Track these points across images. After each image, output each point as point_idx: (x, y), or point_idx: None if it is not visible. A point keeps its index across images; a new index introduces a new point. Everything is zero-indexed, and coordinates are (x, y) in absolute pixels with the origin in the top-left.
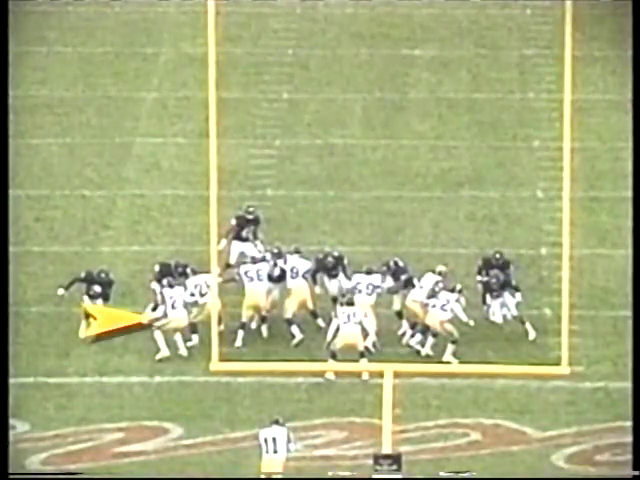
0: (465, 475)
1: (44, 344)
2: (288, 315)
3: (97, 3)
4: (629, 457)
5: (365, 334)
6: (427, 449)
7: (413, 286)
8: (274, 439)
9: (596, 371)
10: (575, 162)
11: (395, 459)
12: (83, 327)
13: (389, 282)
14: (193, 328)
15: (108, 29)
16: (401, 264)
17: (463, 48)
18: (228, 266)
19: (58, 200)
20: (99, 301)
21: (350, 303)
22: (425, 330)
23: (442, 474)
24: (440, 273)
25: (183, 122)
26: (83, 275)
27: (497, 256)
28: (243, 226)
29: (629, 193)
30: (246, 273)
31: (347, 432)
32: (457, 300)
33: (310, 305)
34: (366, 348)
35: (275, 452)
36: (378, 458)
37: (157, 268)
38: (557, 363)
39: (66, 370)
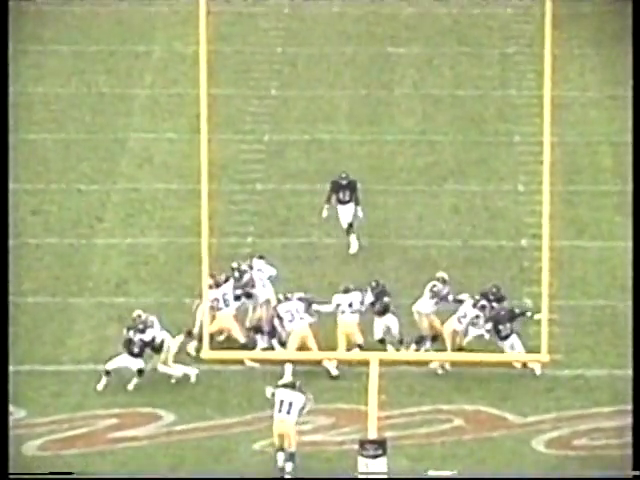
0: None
1: (40, 333)
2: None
3: (92, 3)
4: (606, 442)
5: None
6: (411, 434)
7: (387, 312)
8: (290, 403)
9: (575, 359)
10: (555, 157)
11: (380, 444)
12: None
13: (369, 298)
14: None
15: (102, 28)
16: (386, 287)
17: (446, 46)
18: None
19: (54, 194)
20: (139, 361)
21: (287, 298)
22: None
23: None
24: (441, 279)
25: (175, 118)
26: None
27: (494, 290)
28: (337, 190)
29: (607, 187)
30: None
31: (334, 418)
32: (475, 317)
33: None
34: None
35: (288, 413)
36: (364, 443)
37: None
38: (537, 351)
39: (62, 358)
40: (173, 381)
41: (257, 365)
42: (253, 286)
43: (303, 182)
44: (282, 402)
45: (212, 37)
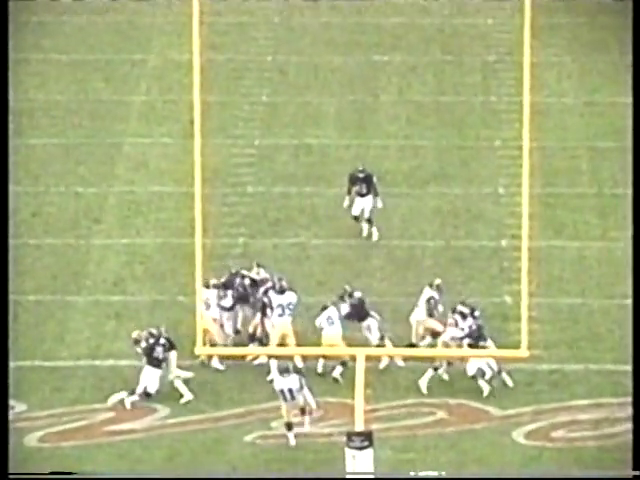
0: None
1: (40, 330)
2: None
3: (90, 13)
4: (582, 434)
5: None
6: (396, 427)
7: (368, 316)
8: (290, 390)
9: (553, 354)
10: (533, 160)
11: (367, 436)
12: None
13: (345, 309)
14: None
15: (100, 37)
16: (353, 289)
17: (429, 54)
18: (356, 218)
19: (53, 196)
20: (158, 371)
21: (282, 291)
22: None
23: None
24: (437, 287)
25: (170, 123)
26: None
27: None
28: (355, 183)
29: (584, 189)
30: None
31: (322, 411)
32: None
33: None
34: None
35: (293, 399)
36: (351, 435)
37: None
38: (517, 347)
39: (61, 354)
40: (183, 400)
41: (222, 367)
42: (282, 292)
43: (292, 185)
44: (282, 391)
45: (205, 46)
